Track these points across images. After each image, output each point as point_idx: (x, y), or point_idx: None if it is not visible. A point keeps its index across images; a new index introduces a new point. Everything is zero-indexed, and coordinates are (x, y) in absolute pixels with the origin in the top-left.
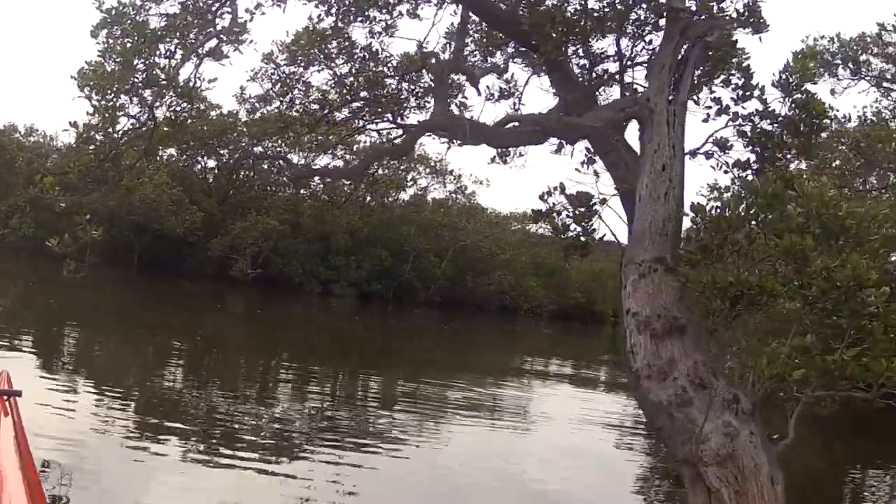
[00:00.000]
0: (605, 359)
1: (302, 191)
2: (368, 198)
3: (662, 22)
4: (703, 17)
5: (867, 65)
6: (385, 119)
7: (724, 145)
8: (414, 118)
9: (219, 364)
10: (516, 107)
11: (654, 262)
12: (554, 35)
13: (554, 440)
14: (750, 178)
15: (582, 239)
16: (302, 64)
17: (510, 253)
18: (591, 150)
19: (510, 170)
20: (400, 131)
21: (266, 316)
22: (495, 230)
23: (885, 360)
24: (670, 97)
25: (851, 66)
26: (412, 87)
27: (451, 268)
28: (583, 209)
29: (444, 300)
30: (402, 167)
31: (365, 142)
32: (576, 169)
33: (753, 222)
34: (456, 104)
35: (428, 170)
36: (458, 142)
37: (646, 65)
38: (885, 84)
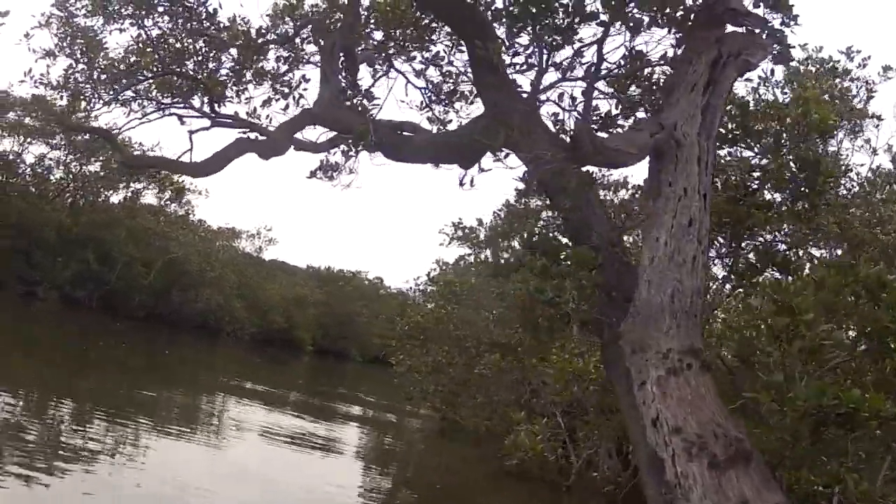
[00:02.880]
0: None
1: (11, 179)
2: (79, 195)
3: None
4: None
5: None
6: (187, 105)
7: None
8: (231, 108)
9: None
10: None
11: (687, 354)
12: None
13: None
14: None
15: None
16: (102, 16)
17: (219, 270)
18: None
19: (333, 188)
20: (207, 122)
21: None
22: (207, 245)
23: None
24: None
25: None
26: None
27: (158, 280)
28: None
29: (149, 313)
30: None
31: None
32: (517, 202)
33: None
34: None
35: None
36: (353, 148)
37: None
38: None
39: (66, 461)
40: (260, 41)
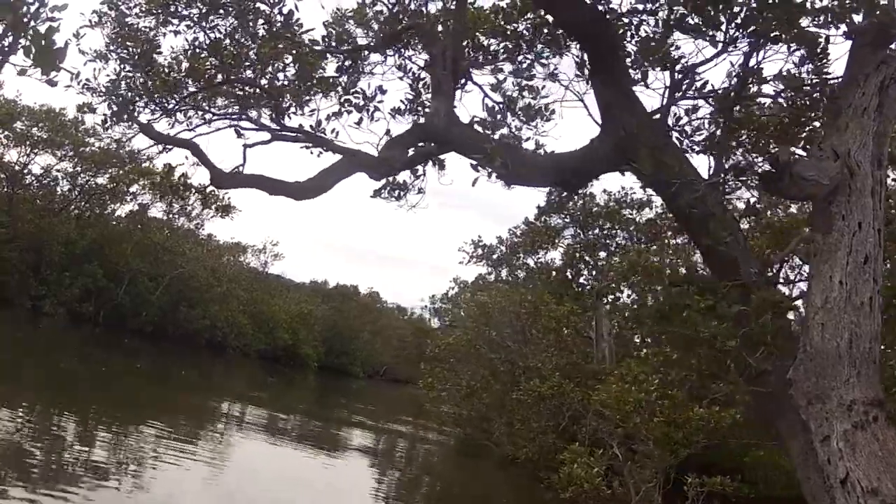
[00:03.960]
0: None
1: (17, 191)
2: (86, 207)
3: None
4: None
5: None
6: (244, 116)
7: None
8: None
9: None
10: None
11: (872, 405)
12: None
13: None
14: None
15: None
16: (160, 15)
17: (226, 286)
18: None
19: (398, 209)
20: (266, 136)
21: None
22: (215, 260)
23: None
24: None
25: None
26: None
27: (165, 295)
28: None
29: (156, 329)
30: (122, 176)
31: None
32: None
33: None
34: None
35: (149, 183)
36: (480, 169)
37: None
38: None
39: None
40: (342, 47)
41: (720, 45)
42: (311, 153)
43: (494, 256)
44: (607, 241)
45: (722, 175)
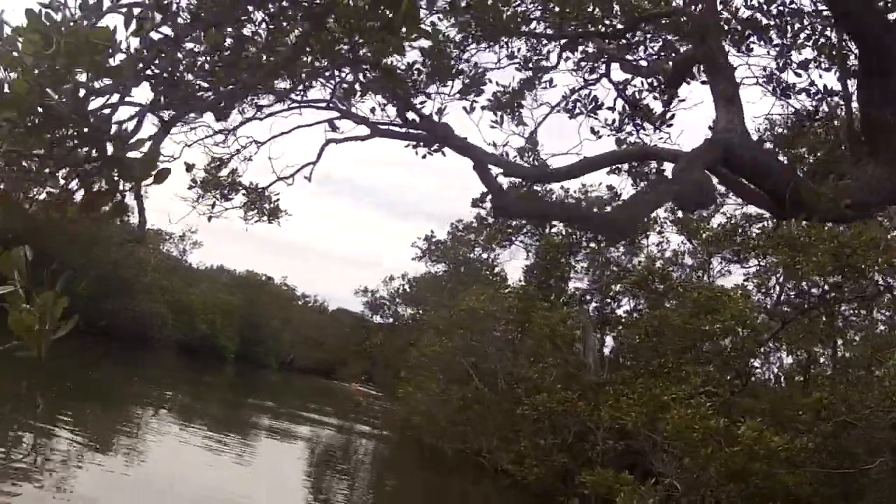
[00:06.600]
0: None
1: None
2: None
3: None
4: None
5: None
6: (333, 105)
7: None
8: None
9: None
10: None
11: None
12: None
13: None
14: None
15: None
16: None
17: (151, 276)
18: None
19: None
20: (364, 130)
21: None
22: (141, 249)
23: None
24: None
25: None
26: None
27: (90, 286)
28: None
29: (84, 322)
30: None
31: None
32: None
33: None
34: None
35: None
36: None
37: None
38: None
39: None
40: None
41: None
42: (416, 153)
43: (437, 252)
44: (571, 242)
45: None
